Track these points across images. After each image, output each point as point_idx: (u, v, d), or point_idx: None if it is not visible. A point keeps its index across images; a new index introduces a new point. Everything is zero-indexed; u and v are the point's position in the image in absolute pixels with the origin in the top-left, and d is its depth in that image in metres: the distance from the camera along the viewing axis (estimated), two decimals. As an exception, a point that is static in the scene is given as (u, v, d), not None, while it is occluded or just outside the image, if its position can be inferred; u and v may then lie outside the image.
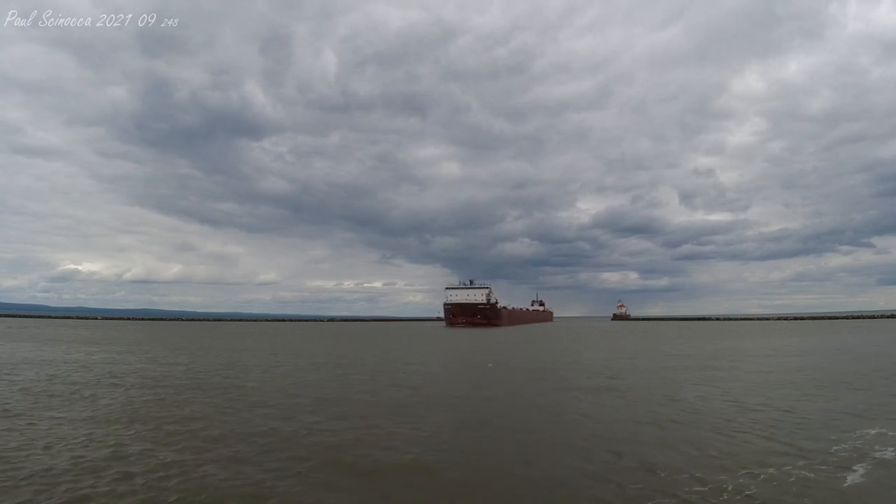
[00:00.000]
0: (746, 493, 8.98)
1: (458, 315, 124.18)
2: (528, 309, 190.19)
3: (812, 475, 9.85)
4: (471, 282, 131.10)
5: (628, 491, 9.21)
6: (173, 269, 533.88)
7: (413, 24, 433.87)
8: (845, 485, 9.35)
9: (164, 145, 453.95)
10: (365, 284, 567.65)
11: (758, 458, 10.96)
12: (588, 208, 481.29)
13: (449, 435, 13.33)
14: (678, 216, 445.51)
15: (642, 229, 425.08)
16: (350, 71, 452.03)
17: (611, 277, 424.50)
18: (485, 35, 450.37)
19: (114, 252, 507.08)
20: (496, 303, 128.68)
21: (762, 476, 9.83)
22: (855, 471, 10.05)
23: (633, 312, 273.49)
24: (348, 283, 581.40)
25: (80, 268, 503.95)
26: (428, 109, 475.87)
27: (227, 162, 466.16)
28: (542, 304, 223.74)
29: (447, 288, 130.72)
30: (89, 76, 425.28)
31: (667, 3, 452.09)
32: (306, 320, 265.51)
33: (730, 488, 9.18)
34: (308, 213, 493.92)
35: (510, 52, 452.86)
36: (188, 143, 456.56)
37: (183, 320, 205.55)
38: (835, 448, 11.70)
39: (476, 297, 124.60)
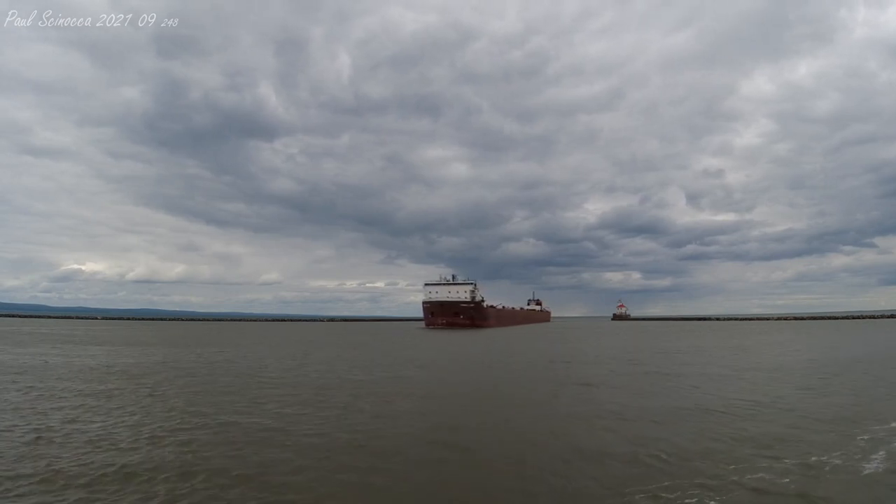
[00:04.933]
0: (780, 480, 9.63)
1: (438, 315, 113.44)
2: (521, 308, 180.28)
3: (838, 462, 10.64)
4: (453, 277, 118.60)
5: (673, 469, 10.28)
6: (177, 269, 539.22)
7: (429, 28, 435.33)
8: (865, 473, 10.03)
9: (175, 146, 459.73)
10: (367, 284, 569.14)
11: (785, 449, 11.71)
12: (595, 209, 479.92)
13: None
14: (684, 216, 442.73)
15: (648, 229, 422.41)
16: (364, 73, 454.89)
17: (613, 277, 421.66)
18: (501, 39, 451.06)
19: (117, 252, 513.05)
20: (482, 301, 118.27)
21: (791, 463, 10.56)
22: (874, 460, 10.78)
23: (634, 312, 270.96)
24: (351, 283, 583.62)
25: (82, 268, 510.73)
26: (440, 111, 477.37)
27: (236, 163, 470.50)
28: (538, 303, 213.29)
29: (426, 284, 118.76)
30: (103, 77, 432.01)
31: (680, 7, 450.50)
32: (306, 320, 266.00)
33: (762, 475, 9.86)
34: (315, 213, 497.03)
35: (525, 56, 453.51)
36: (199, 144, 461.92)
37: (183, 320, 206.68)
38: (857, 439, 12.43)
39: (458, 294, 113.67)
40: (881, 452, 11.23)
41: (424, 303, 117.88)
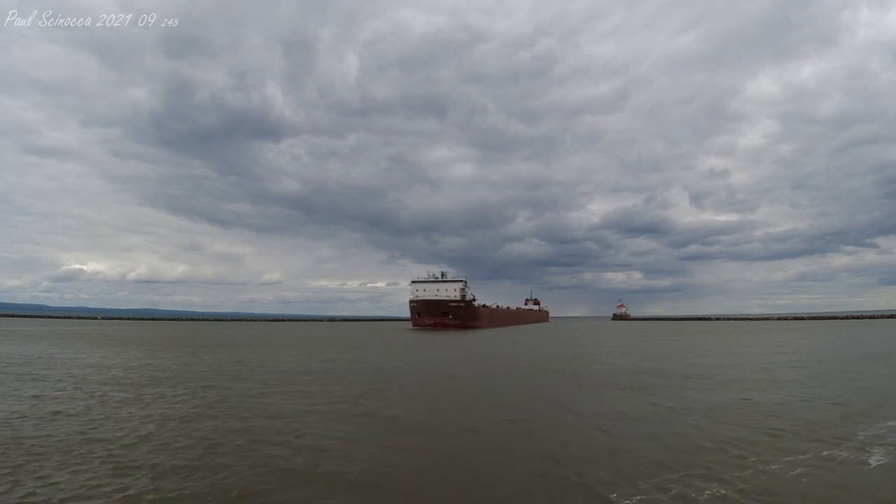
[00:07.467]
0: (789, 473, 10.07)
1: (426, 314, 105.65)
2: (517, 308, 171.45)
3: (844, 454, 11.31)
4: (442, 274, 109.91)
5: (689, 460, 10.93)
6: (178, 269, 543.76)
7: (438, 29, 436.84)
8: (869, 466, 10.52)
9: (181, 146, 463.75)
10: (368, 284, 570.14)
11: (793, 444, 12.21)
12: (599, 209, 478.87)
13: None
14: (687, 217, 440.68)
15: (651, 230, 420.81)
16: (371, 74, 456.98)
17: (615, 277, 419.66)
18: (510, 41, 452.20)
19: (119, 252, 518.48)
20: (473, 300, 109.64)
21: (796, 459, 11.01)
22: (875, 454, 11.35)
23: (635, 312, 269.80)
24: (352, 283, 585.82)
25: (84, 267, 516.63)
26: (446, 111, 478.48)
27: (242, 163, 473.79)
28: (536, 302, 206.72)
29: (413, 281, 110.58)
30: (111, 77, 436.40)
31: (688, 9, 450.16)
32: (306, 320, 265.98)
33: (774, 468, 10.36)
34: (319, 213, 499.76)
35: (533, 57, 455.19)
36: (205, 144, 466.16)
37: (183, 320, 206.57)
38: (860, 435, 12.97)
39: (448, 292, 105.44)
40: (882, 447, 11.87)
41: (411, 301, 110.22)
